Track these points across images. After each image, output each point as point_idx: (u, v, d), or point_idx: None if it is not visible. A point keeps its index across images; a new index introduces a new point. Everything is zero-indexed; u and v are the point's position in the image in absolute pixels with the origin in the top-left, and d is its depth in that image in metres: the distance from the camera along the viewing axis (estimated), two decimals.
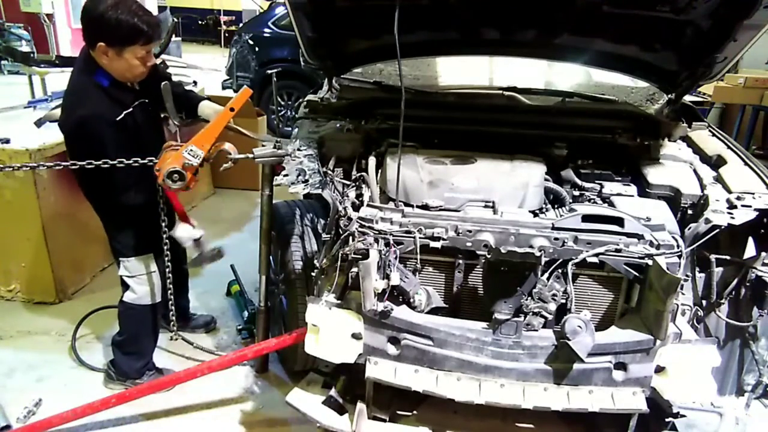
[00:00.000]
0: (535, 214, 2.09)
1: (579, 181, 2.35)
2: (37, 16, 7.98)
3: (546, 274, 1.85)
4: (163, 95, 2.24)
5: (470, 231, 1.90)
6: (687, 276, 1.99)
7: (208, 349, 2.96)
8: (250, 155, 2.29)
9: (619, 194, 2.26)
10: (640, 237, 1.89)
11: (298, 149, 2.33)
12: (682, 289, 1.89)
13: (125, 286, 2.51)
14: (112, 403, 2.32)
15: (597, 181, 2.34)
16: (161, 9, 10.97)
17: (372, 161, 2.34)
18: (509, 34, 2.68)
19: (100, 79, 2.17)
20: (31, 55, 5.24)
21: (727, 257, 2.06)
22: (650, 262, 1.82)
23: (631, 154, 2.51)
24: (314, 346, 1.92)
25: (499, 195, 2.11)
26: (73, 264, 3.44)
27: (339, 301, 1.93)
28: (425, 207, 2.06)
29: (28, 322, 3.16)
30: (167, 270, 2.42)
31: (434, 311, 1.95)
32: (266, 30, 7.22)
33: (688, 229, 1.99)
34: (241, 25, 10.96)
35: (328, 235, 2.05)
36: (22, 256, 3.25)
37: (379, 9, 2.20)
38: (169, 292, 2.46)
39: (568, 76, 3.49)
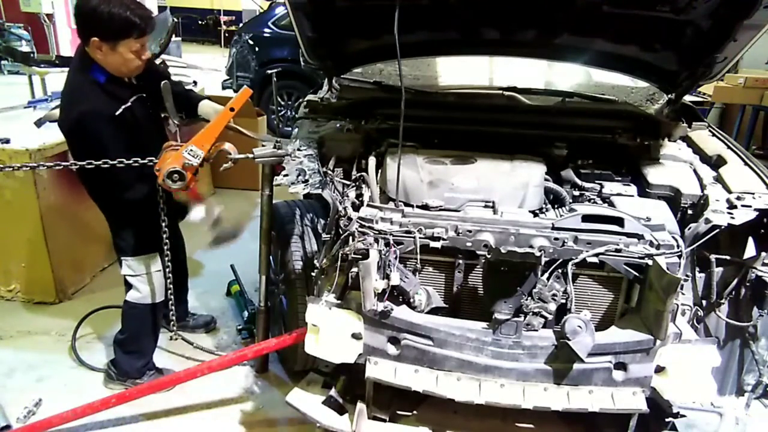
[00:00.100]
0: (535, 214, 2.09)
1: (579, 181, 2.35)
2: (37, 16, 7.97)
3: (546, 274, 1.85)
4: (163, 94, 2.24)
5: (470, 231, 1.90)
6: (687, 276, 1.99)
7: (208, 349, 2.96)
8: (250, 155, 2.29)
9: (619, 194, 2.26)
10: (640, 237, 1.89)
11: (298, 149, 2.33)
12: (682, 289, 1.89)
13: (128, 286, 2.51)
14: (112, 403, 2.32)
15: (597, 181, 2.34)
16: (161, 9, 10.96)
17: (372, 161, 2.34)
18: (509, 34, 2.68)
19: (96, 75, 2.16)
20: (31, 55, 5.25)
21: (727, 257, 2.06)
22: (650, 262, 1.82)
23: (631, 154, 2.51)
24: (314, 346, 1.92)
25: (499, 195, 2.11)
26: (73, 264, 3.44)
27: (339, 301, 1.93)
28: (425, 207, 2.06)
29: (28, 322, 3.16)
30: (167, 270, 2.41)
31: (434, 311, 1.95)
32: (266, 30, 7.22)
33: (688, 229, 1.99)
34: (241, 25, 10.96)
35: (328, 235, 2.05)
36: (22, 256, 3.25)
37: (379, 9, 2.20)
38: (169, 291, 2.46)
39: (568, 76, 3.49)
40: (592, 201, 2.27)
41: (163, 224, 2.31)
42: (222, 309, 3.37)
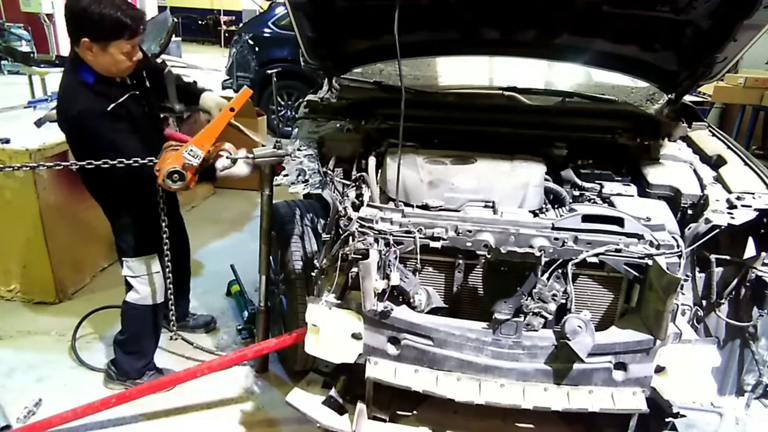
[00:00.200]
0: (535, 214, 2.09)
1: (579, 181, 2.35)
2: (37, 16, 7.98)
3: (546, 274, 1.85)
4: (166, 81, 2.22)
5: (470, 231, 1.90)
6: (687, 276, 1.99)
7: (208, 349, 2.96)
8: (250, 155, 2.29)
9: (619, 194, 2.26)
10: (640, 237, 1.89)
11: (298, 149, 2.33)
12: (682, 289, 1.89)
13: (128, 286, 2.51)
14: (112, 403, 2.32)
15: (597, 181, 2.34)
16: (161, 9, 10.95)
17: (372, 161, 2.34)
18: (509, 34, 2.68)
19: (84, 76, 2.14)
20: (31, 55, 5.26)
21: (727, 257, 2.06)
22: (650, 262, 1.81)
23: (631, 154, 2.51)
24: (314, 346, 1.92)
25: (499, 195, 2.11)
26: (73, 264, 3.44)
27: (339, 301, 1.93)
28: (425, 207, 2.06)
29: (28, 322, 3.16)
30: (168, 270, 2.41)
31: (434, 311, 1.95)
32: (266, 30, 7.22)
33: (688, 229, 1.99)
34: (241, 25, 10.96)
35: (328, 235, 2.05)
36: (22, 256, 3.25)
37: (379, 9, 2.21)
38: (169, 292, 2.46)
39: (568, 76, 3.49)
40: (592, 201, 2.27)
41: (163, 224, 2.31)
42: (222, 309, 3.37)
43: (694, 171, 2.39)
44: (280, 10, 7.27)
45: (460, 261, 2.00)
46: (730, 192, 2.14)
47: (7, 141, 3.08)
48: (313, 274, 2.12)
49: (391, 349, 1.87)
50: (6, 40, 7.19)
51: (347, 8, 2.47)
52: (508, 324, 1.82)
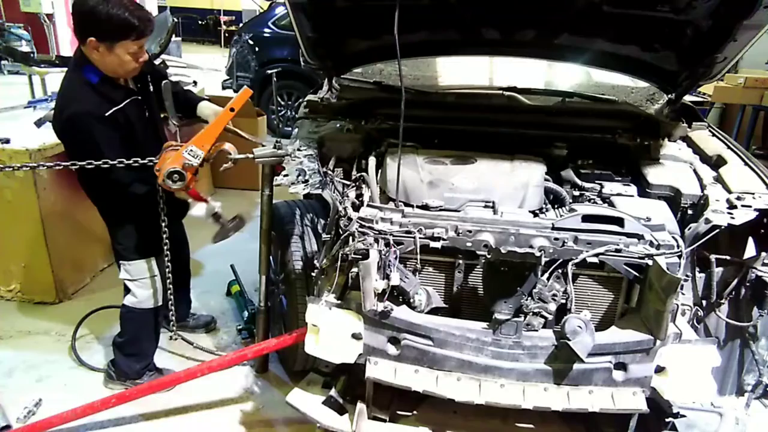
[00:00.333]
0: (535, 214, 2.09)
1: (579, 181, 2.35)
2: (37, 16, 7.99)
3: (546, 274, 1.85)
4: (163, 94, 2.23)
5: (470, 231, 1.90)
6: (687, 276, 1.99)
7: (208, 349, 2.96)
8: (250, 155, 2.29)
9: (619, 194, 2.26)
10: (640, 237, 1.89)
11: (298, 149, 2.33)
12: (682, 289, 1.89)
13: (126, 290, 2.51)
14: (112, 403, 2.32)
15: (597, 181, 2.34)
16: (161, 9, 10.96)
17: (372, 161, 2.34)
18: (509, 34, 2.68)
19: (89, 75, 2.14)
20: (31, 55, 5.25)
21: (727, 257, 2.06)
22: (650, 262, 1.82)
23: (631, 154, 2.51)
24: (314, 346, 1.92)
25: (499, 195, 2.11)
26: (73, 264, 3.44)
27: (339, 301, 1.93)
28: (425, 207, 2.06)
29: (28, 322, 3.16)
30: (168, 270, 2.41)
31: (434, 311, 1.95)
32: (266, 30, 7.23)
33: (688, 229, 1.99)
34: (241, 25, 10.96)
35: (328, 235, 2.05)
36: (22, 256, 3.25)
37: (379, 9, 2.20)
38: (169, 292, 2.46)
39: (568, 76, 3.49)
40: (592, 201, 2.27)
41: (163, 224, 2.30)
42: (222, 309, 3.37)
43: (694, 171, 2.39)
44: (280, 10, 7.27)
45: (460, 261, 2.00)
46: (730, 192, 2.14)
47: (7, 141, 3.08)
48: (313, 274, 2.12)
49: (391, 349, 1.87)
50: (6, 40, 7.19)
51: (347, 8, 2.46)
52: (508, 324, 1.82)
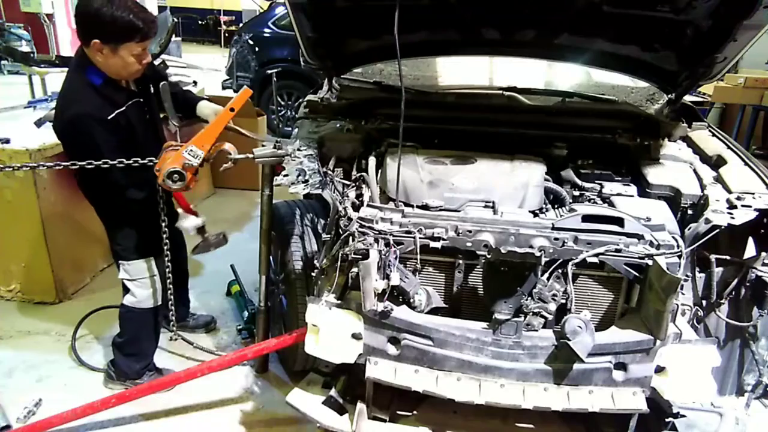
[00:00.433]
0: (535, 214, 2.09)
1: (579, 181, 2.35)
2: (37, 16, 7.99)
3: (546, 274, 1.85)
4: (161, 95, 2.23)
5: (470, 231, 1.90)
6: (687, 276, 1.99)
7: (208, 349, 2.96)
8: (250, 155, 2.29)
9: (619, 194, 2.26)
10: (640, 237, 1.89)
11: (298, 149, 2.33)
12: (682, 289, 1.89)
13: (126, 290, 2.51)
14: (112, 403, 2.32)
15: (597, 181, 2.34)
16: (161, 9, 10.97)
17: (372, 161, 2.34)
18: (509, 34, 2.68)
19: (91, 77, 2.14)
20: (31, 55, 5.25)
21: (727, 257, 2.06)
22: (650, 262, 1.82)
23: (631, 154, 2.51)
24: (314, 346, 1.92)
25: (499, 195, 2.11)
26: (73, 264, 3.44)
27: (339, 301, 1.93)
28: (425, 207, 2.05)
29: (28, 322, 3.16)
30: (167, 270, 2.41)
31: (434, 311, 1.95)
32: (266, 30, 7.22)
33: (688, 229, 1.99)
34: (241, 25, 10.96)
35: (328, 235, 2.05)
36: (22, 256, 3.25)
37: (379, 9, 2.20)
38: (169, 292, 2.46)
39: (568, 76, 3.49)
40: (592, 201, 2.27)
41: (163, 224, 2.31)
42: (222, 309, 3.37)
43: (694, 171, 2.39)
44: (280, 10, 7.27)
45: (460, 261, 2.00)
46: (730, 192, 2.14)
47: (7, 141, 3.08)
48: (313, 274, 2.12)
49: (391, 349, 1.87)
50: (6, 40, 7.20)
51: (347, 8, 2.46)
52: (508, 324, 1.82)
